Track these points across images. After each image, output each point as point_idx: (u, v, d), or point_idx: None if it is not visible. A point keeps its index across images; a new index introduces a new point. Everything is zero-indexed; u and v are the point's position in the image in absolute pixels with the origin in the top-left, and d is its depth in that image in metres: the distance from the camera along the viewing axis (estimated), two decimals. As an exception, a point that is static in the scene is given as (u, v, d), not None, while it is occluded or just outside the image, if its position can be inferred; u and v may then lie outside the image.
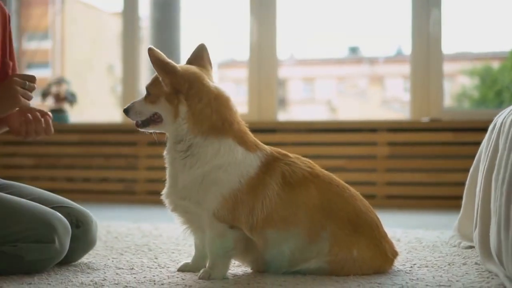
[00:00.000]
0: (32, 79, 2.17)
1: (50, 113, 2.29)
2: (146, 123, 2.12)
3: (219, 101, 2.06)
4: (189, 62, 2.18)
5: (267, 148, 2.11)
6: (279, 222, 2.02)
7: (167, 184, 2.13)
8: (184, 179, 2.05)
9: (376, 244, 2.08)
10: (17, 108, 2.19)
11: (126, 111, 2.13)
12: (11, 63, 2.37)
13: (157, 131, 2.15)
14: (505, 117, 2.26)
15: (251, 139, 2.10)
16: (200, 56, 2.18)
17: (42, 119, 2.24)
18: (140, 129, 2.15)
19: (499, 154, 2.10)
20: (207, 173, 2.02)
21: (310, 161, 2.14)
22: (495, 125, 2.41)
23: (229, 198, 2.00)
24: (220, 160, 2.02)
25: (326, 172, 2.14)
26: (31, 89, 2.16)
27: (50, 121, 2.27)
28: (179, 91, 2.04)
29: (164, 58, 2.04)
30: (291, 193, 2.03)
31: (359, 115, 11.29)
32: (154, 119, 2.10)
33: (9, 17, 2.37)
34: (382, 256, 2.10)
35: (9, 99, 2.13)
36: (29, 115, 2.23)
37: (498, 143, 2.21)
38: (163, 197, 2.13)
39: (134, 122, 2.15)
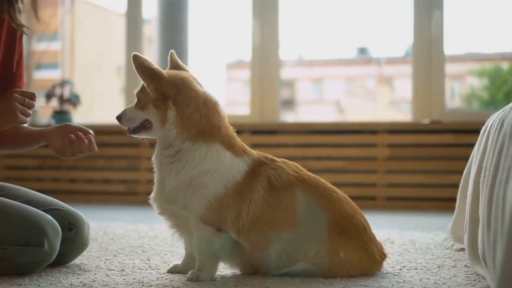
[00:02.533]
0: (32, 96, 2.18)
1: (91, 131, 2.34)
2: (137, 129, 2.13)
3: (207, 106, 2.07)
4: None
5: (254, 152, 2.13)
6: (266, 226, 2.04)
7: (154, 189, 2.15)
8: (171, 184, 2.07)
9: (363, 246, 2.10)
10: (14, 124, 2.20)
11: (119, 118, 2.14)
12: (18, 74, 2.41)
13: (149, 137, 2.16)
14: (494, 119, 2.26)
15: (239, 143, 2.12)
16: (180, 65, 2.20)
17: (85, 138, 2.30)
18: (131, 135, 2.16)
19: (485, 157, 2.10)
20: (194, 178, 2.04)
21: (297, 165, 2.16)
22: (486, 127, 2.42)
23: (215, 202, 2.02)
24: (207, 165, 2.04)
25: (313, 175, 2.16)
26: (30, 106, 2.17)
27: (93, 139, 2.33)
28: (166, 96, 2.05)
29: (148, 64, 2.04)
30: (277, 197, 2.05)
31: (368, 115, 11.29)
32: (144, 125, 2.11)
33: (19, 35, 2.38)
34: (370, 258, 2.11)
35: (7, 115, 2.14)
36: (72, 135, 2.29)
37: (487, 146, 2.22)
38: (150, 201, 2.16)
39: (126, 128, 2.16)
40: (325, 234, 2.05)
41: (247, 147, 2.15)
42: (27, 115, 2.18)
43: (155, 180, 2.15)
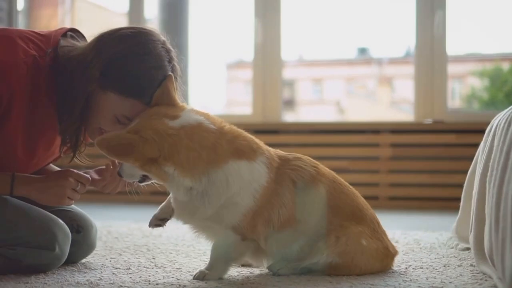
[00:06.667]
0: (86, 181, 2.16)
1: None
2: (142, 180, 2.03)
3: (193, 137, 1.94)
4: (155, 103, 2.02)
5: (263, 147, 2.10)
6: (294, 224, 2.06)
7: (178, 210, 2.07)
8: (205, 213, 2.01)
9: (378, 238, 2.14)
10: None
11: (120, 175, 2.02)
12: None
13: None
14: (500, 119, 2.26)
15: (245, 143, 2.04)
16: (166, 93, 2.02)
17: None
18: (140, 184, 2.07)
19: (492, 156, 2.11)
20: (224, 202, 2.00)
21: (310, 158, 2.17)
22: (491, 127, 2.42)
23: (247, 213, 2.02)
24: (232, 189, 1.98)
25: (328, 169, 2.19)
26: (81, 191, 2.16)
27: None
28: (152, 158, 1.90)
29: (116, 142, 1.88)
30: (304, 196, 2.08)
31: (368, 116, 11.28)
32: (148, 176, 2.00)
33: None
34: (385, 249, 2.15)
35: (54, 196, 2.13)
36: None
37: (492, 145, 2.22)
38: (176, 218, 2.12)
39: None
40: (345, 223, 2.09)
41: (252, 139, 2.09)
42: (75, 199, 2.16)
43: (177, 203, 2.06)
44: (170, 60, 2.08)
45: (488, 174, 2.10)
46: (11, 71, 1.99)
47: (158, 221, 2.18)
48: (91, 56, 2.03)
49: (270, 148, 2.14)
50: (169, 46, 2.10)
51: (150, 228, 2.20)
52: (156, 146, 1.88)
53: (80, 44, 2.13)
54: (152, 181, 2.04)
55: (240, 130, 2.07)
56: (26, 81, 2.02)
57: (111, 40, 2.05)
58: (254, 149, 2.06)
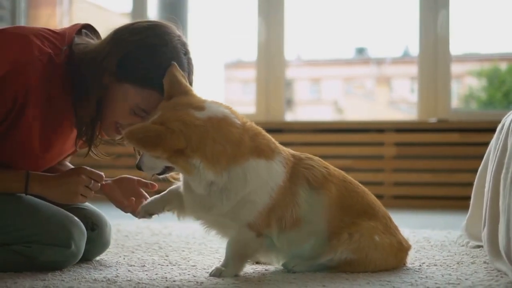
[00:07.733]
0: (99, 178, 2.16)
1: (154, 184, 2.32)
2: (162, 173, 2.01)
3: (220, 129, 1.93)
4: (168, 93, 1.99)
5: (280, 147, 2.11)
6: (305, 223, 2.07)
7: (191, 203, 2.07)
8: (222, 209, 2.01)
9: (391, 233, 2.16)
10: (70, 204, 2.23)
11: (140, 168, 1.99)
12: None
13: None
14: (513, 117, 2.28)
15: (264, 142, 2.04)
16: (176, 81, 2.00)
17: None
18: (159, 177, 2.06)
19: (507, 154, 2.12)
20: (241, 199, 2.00)
21: (320, 159, 2.18)
22: (503, 125, 2.43)
23: (263, 210, 2.02)
24: (250, 187, 1.98)
25: (338, 169, 2.20)
26: (94, 189, 2.16)
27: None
28: (180, 149, 1.88)
29: (144, 134, 1.85)
30: (317, 196, 2.08)
31: (366, 115, 11.29)
32: (170, 168, 1.98)
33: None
34: (399, 244, 2.17)
35: (67, 193, 2.12)
36: (141, 190, 2.31)
37: (506, 143, 2.23)
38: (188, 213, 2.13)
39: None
40: (357, 221, 2.10)
41: (270, 138, 2.09)
42: (88, 196, 2.16)
43: (191, 197, 2.05)
44: (186, 53, 2.09)
45: (503, 171, 2.11)
46: (26, 70, 1.99)
47: (147, 215, 2.19)
48: (107, 50, 2.03)
49: (284, 148, 2.15)
50: (184, 39, 2.10)
51: (137, 218, 2.23)
52: (183, 137, 1.86)
53: (94, 41, 2.13)
54: (171, 173, 2.04)
55: (260, 128, 2.07)
56: (41, 79, 2.02)
57: (127, 33, 2.05)
58: (273, 149, 2.06)
